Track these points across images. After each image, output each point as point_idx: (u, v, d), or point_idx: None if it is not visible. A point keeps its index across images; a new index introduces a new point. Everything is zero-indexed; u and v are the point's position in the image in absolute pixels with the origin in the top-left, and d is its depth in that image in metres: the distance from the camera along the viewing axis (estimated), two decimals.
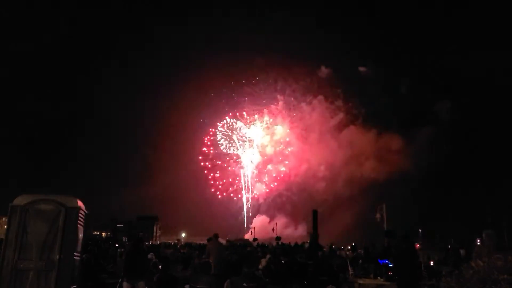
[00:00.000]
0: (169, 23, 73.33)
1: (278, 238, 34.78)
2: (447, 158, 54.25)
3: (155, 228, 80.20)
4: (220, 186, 66.59)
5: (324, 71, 65.43)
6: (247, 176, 66.37)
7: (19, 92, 63.17)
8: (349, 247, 31.25)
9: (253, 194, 66.60)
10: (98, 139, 73.05)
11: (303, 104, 65.76)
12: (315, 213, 20.75)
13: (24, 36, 61.32)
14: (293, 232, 56.37)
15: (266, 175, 66.19)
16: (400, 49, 64.14)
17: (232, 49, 66.75)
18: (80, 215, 8.05)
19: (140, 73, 78.46)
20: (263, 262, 16.13)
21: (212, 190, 67.16)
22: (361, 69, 64.54)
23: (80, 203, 8.10)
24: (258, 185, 66.60)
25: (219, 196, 66.94)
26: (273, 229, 52.91)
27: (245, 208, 66.64)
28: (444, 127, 57.46)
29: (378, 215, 24.95)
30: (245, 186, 66.71)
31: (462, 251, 21.94)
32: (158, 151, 75.16)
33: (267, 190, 66.10)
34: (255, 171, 66.45)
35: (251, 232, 58.93)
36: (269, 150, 66.28)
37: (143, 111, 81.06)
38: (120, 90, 73.33)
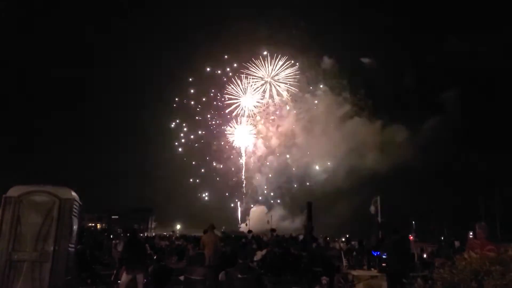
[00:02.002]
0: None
1: (273, 230, 34.78)
2: (449, 150, 54.38)
3: (150, 220, 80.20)
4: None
5: (327, 62, 64.65)
6: (250, 165, 66.03)
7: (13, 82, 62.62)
8: (343, 239, 31.43)
9: (252, 186, 66.39)
10: (93, 131, 72.93)
11: (308, 96, 64.83)
12: (309, 205, 20.80)
13: None
14: (290, 224, 56.43)
15: (268, 166, 65.78)
16: (405, 39, 63.97)
17: (233, 40, 65.62)
18: (74, 206, 8.04)
19: (136, 65, 77.76)
20: (259, 254, 16.21)
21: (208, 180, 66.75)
22: (364, 60, 64.16)
23: (74, 194, 8.09)
24: (258, 176, 66.27)
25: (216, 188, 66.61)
26: (268, 221, 53.00)
27: (242, 199, 66.62)
28: (450, 118, 57.40)
29: (372, 208, 25.06)
30: (244, 177, 66.46)
31: (457, 243, 22.14)
32: (152, 143, 75.05)
33: (267, 182, 65.73)
34: (257, 162, 66.01)
35: (246, 224, 59.03)
36: (274, 141, 65.77)
37: (136, 103, 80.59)
38: (115, 83, 72.99)
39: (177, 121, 67.48)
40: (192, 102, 66.22)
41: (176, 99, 66.53)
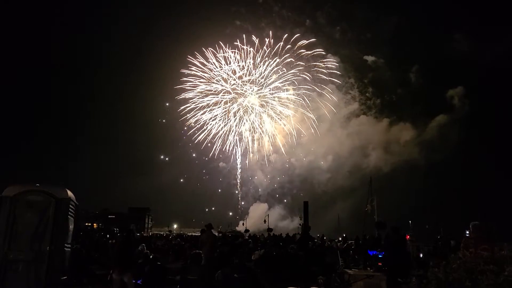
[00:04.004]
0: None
1: (269, 230, 34.85)
2: (453, 148, 54.45)
3: (146, 219, 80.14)
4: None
5: (332, 59, 63.94)
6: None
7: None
8: (340, 238, 31.49)
9: (252, 185, 65.91)
10: (90, 131, 72.91)
11: (314, 94, 63.95)
12: (305, 205, 20.83)
13: None
14: (289, 224, 56.38)
15: (270, 165, 65.13)
16: (411, 37, 64.11)
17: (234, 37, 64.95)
18: (70, 206, 8.03)
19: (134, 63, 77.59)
20: (257, 254, 16.22)
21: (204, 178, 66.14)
22: (367, 58, 63.93)
23: (70, 194, 8.07)
24: (260, 174, 65.63)
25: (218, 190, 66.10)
26: (264, 221, 52.93)
27: (239, 197, 66.23)
28: (456, 116, 57.45)
29: (368, 207, 25.21)
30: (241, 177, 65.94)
31: (452, 242, 22.20)
32: (149, 143, 75.00)
33: (269, 180, 65.17)
34: (260, 160, 65.19)
35: (243, 224, 58.93)
36: (279, 140, 65.00)
37: (134, 103, 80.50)
38: (114, 84, 72.96)
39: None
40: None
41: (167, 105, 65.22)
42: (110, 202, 74.25)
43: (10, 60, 61.42)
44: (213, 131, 62.58)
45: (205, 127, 62.58)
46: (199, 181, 65.65)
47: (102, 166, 73.73)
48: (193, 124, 62.35)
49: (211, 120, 62.52)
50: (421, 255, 20.51)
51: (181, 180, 66.12)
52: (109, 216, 76.77)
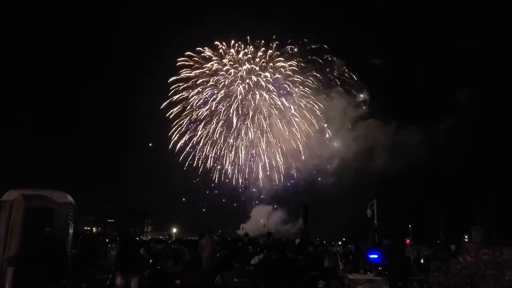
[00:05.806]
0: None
1: (269, 234, 34.72)
2: (457, 151, 54.09)
3: (146, 223, 80.00)
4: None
5: (339, 63, 63.50)
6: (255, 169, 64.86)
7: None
8: (339, 243, 31.46)
9: (255, 189, 65.54)
10: (89, 134, 72.84)
11: (322, 98, 63.33)
12: (306, 208, 20.86)
13: None
14: (291, 228, 56.07)
15: (276, 168, 64.74)
16: (416, 38, 63.79)
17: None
18: (70, 210, 8.04)
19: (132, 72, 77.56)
20: (256, 258, 16.19)
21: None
22: (374, 61, 63.68)
23: (70, 198, 8.08)
24: (263, 176, 65.18)
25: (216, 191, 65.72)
26: (264, 225, 52.76)
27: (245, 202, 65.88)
28: (464, 118, 57.08)
29: (368, 211, 25.15)
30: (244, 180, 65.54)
31: (452, 247, 22.16)
32: (148, 146, 74.74)
33: (272, 183, 64.76)
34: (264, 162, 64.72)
35: (242, 228, 58.66)
36: (285, 143, 64.43)
37: (134, 106, 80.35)
38: (114, 85, 72.96)
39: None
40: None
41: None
42: (109, 205, 73.77)
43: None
44: (216, 149, 62.26)
45: (203, 146, 62.20)
46: (200, 202, 64.87)
47: (102, 168, 73.51)
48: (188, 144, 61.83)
49: (209, 136, 61.98)
50: (422, 260, 20.46)
51: (183, 199, 65.83)
52: (108, 220, 76.54)
